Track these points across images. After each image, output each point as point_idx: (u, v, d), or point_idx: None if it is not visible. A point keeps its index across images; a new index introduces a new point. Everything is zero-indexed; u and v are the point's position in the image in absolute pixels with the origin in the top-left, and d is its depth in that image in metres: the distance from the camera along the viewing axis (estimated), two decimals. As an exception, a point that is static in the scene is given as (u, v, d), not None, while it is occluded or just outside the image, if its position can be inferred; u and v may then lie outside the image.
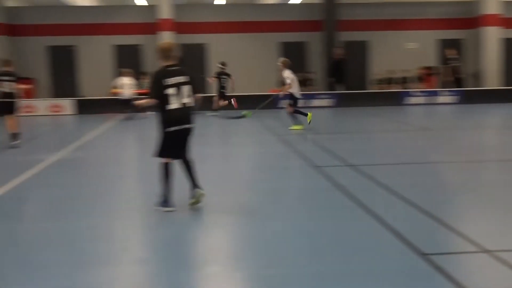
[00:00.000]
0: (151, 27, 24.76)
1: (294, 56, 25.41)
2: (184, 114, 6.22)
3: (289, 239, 5.33)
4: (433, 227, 5.50)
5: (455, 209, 6.46)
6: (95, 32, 25.25)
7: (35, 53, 25.09)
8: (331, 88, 23.66)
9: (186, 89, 6.20)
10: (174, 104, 6.12)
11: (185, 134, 6.29)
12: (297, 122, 14.55)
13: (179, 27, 24.91)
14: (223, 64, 19.90)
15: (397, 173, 8.47)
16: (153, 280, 4.45)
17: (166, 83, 6.12)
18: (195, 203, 6.39)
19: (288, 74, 14.38)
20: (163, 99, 6.13)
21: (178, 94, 6.15)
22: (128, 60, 24.74)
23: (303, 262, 4.66)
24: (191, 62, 24.94)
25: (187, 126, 6.25)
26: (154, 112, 6.85)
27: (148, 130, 16.09)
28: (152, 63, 24.38)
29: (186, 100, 6.20)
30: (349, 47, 25.46)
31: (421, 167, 8.97)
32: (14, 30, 24.90)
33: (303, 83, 23.73)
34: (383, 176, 7.99)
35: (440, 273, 4.31)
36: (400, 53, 26.12)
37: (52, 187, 7.97)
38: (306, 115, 14.59)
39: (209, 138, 13.52)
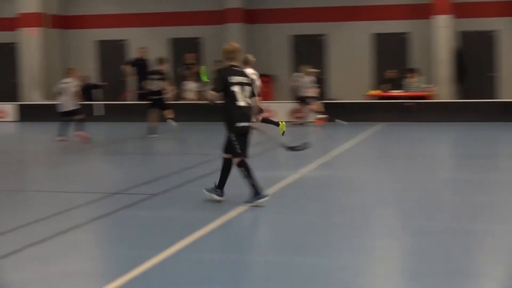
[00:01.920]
0: (421, 10, 24.53)
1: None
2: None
3: None
4: None
5: None
6: (349, 17, 25.81)
7: (277, 43, 26.40)
8: None
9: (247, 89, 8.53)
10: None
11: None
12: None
13: (459, 9, 24.31)
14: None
15: None
16: None
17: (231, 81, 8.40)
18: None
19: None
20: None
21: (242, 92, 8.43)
22: (392, 52, 24.91)
23: None
24: (475, 56, 24.29)
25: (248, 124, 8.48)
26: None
27: (401, 143, 16.06)
28: (422, 56, 24.29)
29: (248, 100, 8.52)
30: None
31: None
32: (254, 16, 26.54)
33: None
34: None
35: None
36: None
37: (291, 213, 8.39)
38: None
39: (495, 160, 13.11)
